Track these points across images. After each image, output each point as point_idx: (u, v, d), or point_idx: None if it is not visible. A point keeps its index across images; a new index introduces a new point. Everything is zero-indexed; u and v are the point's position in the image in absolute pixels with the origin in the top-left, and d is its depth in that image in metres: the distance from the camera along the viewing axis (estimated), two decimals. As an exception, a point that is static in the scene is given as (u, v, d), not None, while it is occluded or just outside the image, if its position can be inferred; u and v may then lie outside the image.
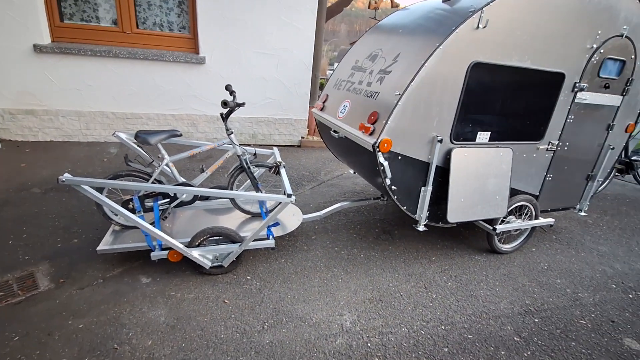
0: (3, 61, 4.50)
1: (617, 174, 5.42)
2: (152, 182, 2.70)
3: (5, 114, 4.73)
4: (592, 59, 2.84)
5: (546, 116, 2.93)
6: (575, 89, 2.90)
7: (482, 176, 2.78)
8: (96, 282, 2.49)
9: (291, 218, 3.16)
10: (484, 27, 2.39)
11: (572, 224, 4.14)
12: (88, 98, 4.97)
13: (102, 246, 2.55)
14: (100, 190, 2.56)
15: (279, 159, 3.10)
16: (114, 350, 1.99)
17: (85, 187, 2.24)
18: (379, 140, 2.39)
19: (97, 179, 2.27)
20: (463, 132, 2.67)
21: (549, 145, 3.06)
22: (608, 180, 4.85)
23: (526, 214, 3.29)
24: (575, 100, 2.96)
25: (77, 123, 5.06)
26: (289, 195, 2.47)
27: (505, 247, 3.35)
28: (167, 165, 2.79)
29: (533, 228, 3.37)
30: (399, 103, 2.37)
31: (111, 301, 2.33)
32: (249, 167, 2.97)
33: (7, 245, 2.77)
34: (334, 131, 3.01)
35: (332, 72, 3.73)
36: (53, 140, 5.06)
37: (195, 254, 2.53)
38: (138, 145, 2.84)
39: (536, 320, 2.55)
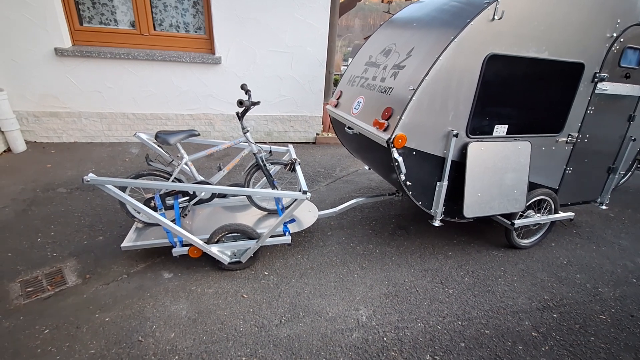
0: (26, 65, 4.68)
1: (639, 166, 5.23)
2: (172, 181, 2.78)
3: (30, 116, 4.93)
4: (613, 48, 2.76)
5: (565, 108, 2.87)
6: (596, 79, 2.82)
7: (500, 170, 2.74)
8: (121, 277, 2.59)
9: (307, 214, 3.20)
10: (500, 18, 2.35)
11: (592, 218, 4.03)
12: (109, 100, 5.13)
13: (126, 243, 2.65)
14: (123, 189, 2.65)
15: (294, 156, 3.14)
16: (139, 342, 2.08)
17: (109, 186, 2.33)
18: (393, 136, 2.39)
19: (120, 179, 2.36)
20: (479, 126, 2.64)
21: (568, 137, 2.99)
22: (630, 173, 4.70)
23: (545, 208, 3.23)
24: (596, 91, 2.88)
25: (99, 124, 5.22)
26: (305, 192, 2.50)
27: (524, 242, 3.30)
28: (186, 164, 2.86)
29: (552, 222, 3.31)
30: (413, 98, 2.37)
31: (135, 296, 2.43)
32: (264, 165, 3.02)
33: (36, 242, 2.91)
34: (349, 127, 3.02)
35: (346, 67, 3.73)
36: (77, 141, 5.24)
37: (214, 250, 2.60)
38: (158, 145, 2.92)
39: (555, 315, 2.51)
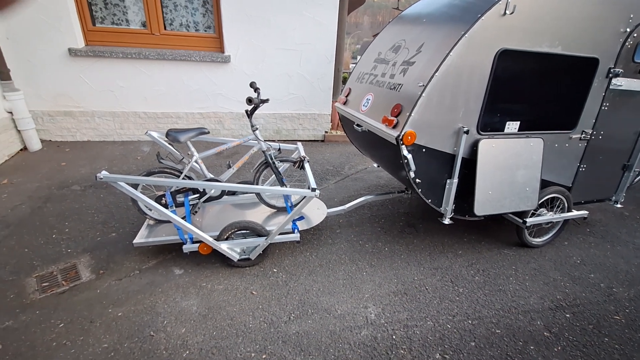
0: (41, 65, 4.77)
1: None
2: (183, 178, 2.81)
3: (45, 115, 5.03)
4: (627, 43, 2.69)
5: (579, 104, 2.81)
6: (610, 75, 2.76)
7: (511, 167, 2.70)
8: (133, 273, 2.64)
9: (316, 212, 3.20)
10: (511, 13, 2.31)
11: (607, 217, 3.95)
12: (121, 99, 5.21)
13: (138, 239, 2.69)
14: (135, 186, 2.68)
15: (303, 153, 3.14)
16: (151, 337, 2.11)
17: (121, 183, 2.37)
18: (402, 133, 2.38)
19: (132, 176, 2.40)
20: (491, 123, 2.61)
21: (582, 134, 2.93)
22: None
23: (558, 206, 3.17)
24: (610, 87, 2.81)
25: (112, 123, 5.31)
26: (314, 190, 2.50)
27: (536, 240, 3.25)
28: (196, 161, 2.89)
29: (565, 221, 3.26)
30: (423, 94, 2.35)
31: (147, 291, 2.47)
32: (273, 163, 3.03)
33: (52, 238, 2.98)
34: (357, 125, 3.01)
35: (354, 65, 3.71)
36: (90, 140, 5.34)
37: (224, 247, 2.62)
38: (169, 143, 2.96)
39: (567, 315, 2.47)
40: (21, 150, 4.80)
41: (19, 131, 4.71)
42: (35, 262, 2.68)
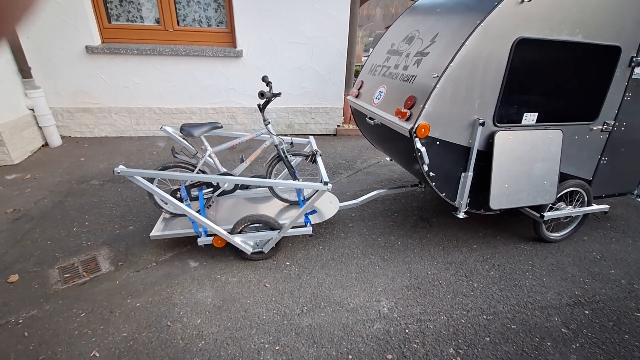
0: (59, 63, 4.88)
1: None
2: (197, 173, 2.85)
3: (65, 112, 5.16)
4: None
5: (600, 94, 2.71)
6: (633, 64, 2.65)
7: (529, 160, 2.64)
8: (150, 265, 2.70)
9: (328, 206, 3.20)
10: (529, 0, 2.24)
11: (629, 211, 3.82)
12: (137, 95, 5.29)
13: (155, 232, 2.75)
14: (151, 180, 2.74)
15: (315, 147, 3.13)
16: (168, 327, 2.16)
17: (138, 177, 2.42)
18: (416, 126, 2.35)
19: (148, 170, 2.44)
20: (507, 114, 2.55)
21: (603, 125, 2.83)
22: None
23: (577, 200, 3.09)
24: (633, 76, 2.70)
25: (128, 119, 5.41)
26: (326, 183, 2.50)
27: (554, 235, 3.17)
28: (209, 156, 2.92)
29: (585, 215, 3.17)
30: (437, 86, 2.30)
31: (164, 283, 2.52)
32: (286, 156, 3.04)
33: (73, 231, 3.07)
34: (370, 118, 2.99)
35: (367, 58, 3.66)
36: (108, 135, 5.46)
37: (237, 240, 2.66)
38: (183, 138, 3.00)
39: (586, 311, 2.41)
40: (42, 146, 4.95)
41: (40, 128, 4.85)
42: (57, 254, 2.77)
